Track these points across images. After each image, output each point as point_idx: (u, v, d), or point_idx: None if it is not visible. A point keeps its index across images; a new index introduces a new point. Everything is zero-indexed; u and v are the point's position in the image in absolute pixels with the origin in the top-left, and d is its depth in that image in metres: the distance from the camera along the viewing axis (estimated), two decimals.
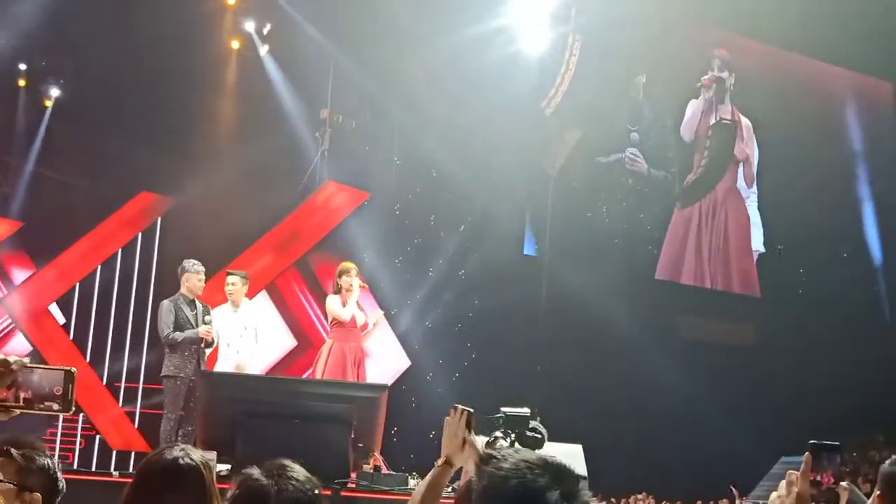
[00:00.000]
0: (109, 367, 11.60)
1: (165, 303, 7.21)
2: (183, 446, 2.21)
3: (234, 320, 7.43)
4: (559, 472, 1.63)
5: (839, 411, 12.82)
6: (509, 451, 1.70)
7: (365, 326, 7.41)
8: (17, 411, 1.80)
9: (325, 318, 7.75)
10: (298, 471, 1.85)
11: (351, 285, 7.29)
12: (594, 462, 5.28)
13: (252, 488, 1.81)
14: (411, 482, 5.80)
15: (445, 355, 12.88)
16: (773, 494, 1.97)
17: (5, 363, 1.76)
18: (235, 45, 12.62)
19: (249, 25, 12.51)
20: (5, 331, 11.84)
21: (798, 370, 14.72)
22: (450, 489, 4.21)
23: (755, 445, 12.95)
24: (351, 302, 7.28)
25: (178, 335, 7.02)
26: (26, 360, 1.81)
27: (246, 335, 7.49)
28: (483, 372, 12.40)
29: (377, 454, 6.03)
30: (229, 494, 1.86)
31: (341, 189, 12.58)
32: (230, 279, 7.53)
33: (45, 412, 1.81)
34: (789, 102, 15.92)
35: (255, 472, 1.86)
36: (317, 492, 1.83)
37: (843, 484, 1.97)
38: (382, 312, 7.94)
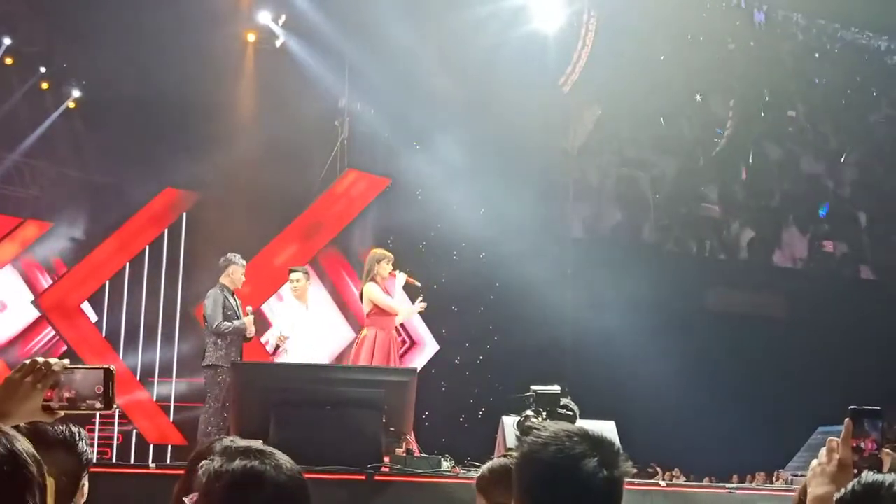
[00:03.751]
0: (142, 363, 11.74)
1: (214, 292, 7.25)
2: (232, 438, 2.23)
3: (306, 318, 7.46)
4: (598, 442, 1.65)
5: (873, 381, 12.70)
6: (550, 422, 1.72)
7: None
8: (62, 412, 1.83)
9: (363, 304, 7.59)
10: (279, 453, 1.75)
11: (387, 273, 7.28)
12: (625, 439, 5.26)
13: (246, 471, 1.70)
14: (444, 464, 5.83)
15: (471, 338, 12.90)
16: (814, 462, 1.94)
17: (48, 365, 1.80)
18: (251, 38, 12.64)
19: (264, 17, 12.52)
20: (38, 328, 12.04)
21: (830, 341, 14.59)
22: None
23: (789, 418, 12.86)
24: (397, 291, 7.27)
25: (228, 325, 7.11)
26: (66, 361, 1.84)
27: (314, 332, 7.56)
28: (508, 353, 12.41)
29: (410, 437, 6.06)
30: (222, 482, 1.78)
31: (362, 176, 12.60)
32: (294, 276, 7.55)
33: (87, 411, 1.85)
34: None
35: (243, 459, 1.77)
36: (300, 474, 1.75)
37: (886, 449, 1.93)
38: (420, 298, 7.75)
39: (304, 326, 7.43)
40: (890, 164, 16.58)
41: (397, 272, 7.36)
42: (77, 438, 2.08)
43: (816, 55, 15.31)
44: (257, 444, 1.77)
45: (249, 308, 7.38)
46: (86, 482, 2.13)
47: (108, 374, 1.84)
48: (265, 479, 1.69)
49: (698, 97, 15.03)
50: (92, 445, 2.49)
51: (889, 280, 16.39)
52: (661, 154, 15.29)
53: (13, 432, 1.59)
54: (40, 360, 1.81)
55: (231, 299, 7.25)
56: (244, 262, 7.45)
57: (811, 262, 16.32)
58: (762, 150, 15.80)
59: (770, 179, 16.01)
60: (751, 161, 15.76)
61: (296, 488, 1.71)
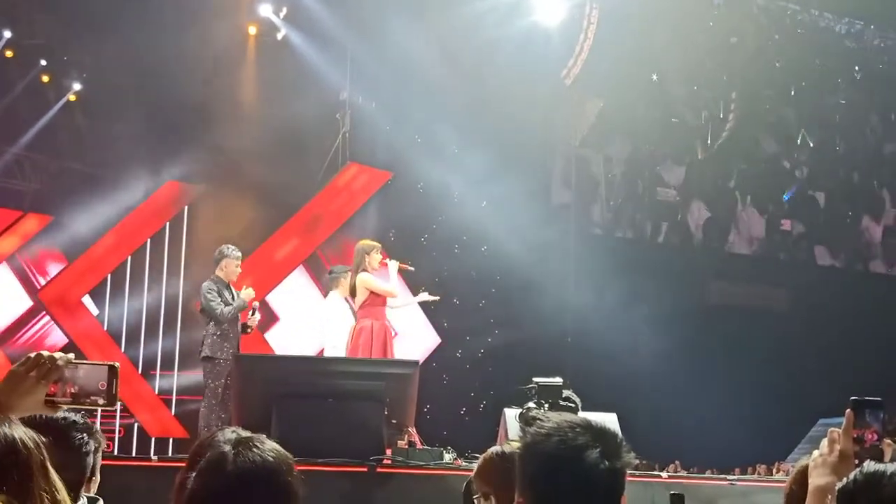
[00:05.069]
0: (144, 356, 11.75)
1: (207, 284, 7.29)
2: (234, 428, 2.23)
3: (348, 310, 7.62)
4: (600, 432, 1.65)
5: (875, 373, 12.70)
6: (553, 413, 1.73)
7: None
8: (65, 406, 1.84)
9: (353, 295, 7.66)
10: (267, 443, 1.81)
11: (377, 262, 7.31)
12: (626, 431, 5.27)
13: (211, 456, 1.79)
14: (447, 456, 5.84)
15: (472, 332, 12.92)
16: (815, 452, 1.94)
17: (52, 359, 1.80)
18: (252, 30, 12.61)
19: (265, 9, 12.50)
20: (42, 324, 12.05)
21: (831, 333, 14.60)
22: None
23: (790, 410, 12.88)
24: (392, 278, 7.33)
25: (229, 308, 7.15)
26: (71, 356, 1.84)
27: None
28: (509, 346, 12.42)
29: (412, 429, 6.07)
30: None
31: (364, 170, 12.59)
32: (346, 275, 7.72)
33: (90, 406, 1.86)
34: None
35: (223, 444, 1.84)
36: (280, 460, 1.78)
37: (888, 440, 1.94)
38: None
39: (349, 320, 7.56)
40: (849, 145, 16.68)
41: (388, 260, 7.38)
42: (74, 429, 2.06)
43: (776, 36, 15.31)
44: (256, 435, 1.81)
45: (256, 304, 7.44)
46: (93, 469, 2.11)
47: (112, 370, 1.85)
48: (225, 466, 1.74)
49: (654, 77, 14.92)
50: (90, 434, 2.44)
51: (848, 264, 16.50)
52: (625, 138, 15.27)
53: (12, 418, 1.60)
54: (45, 354, 1.81)
55: (226, 292, 7.27)
56: (239, 255, 7.45)
57: (768, 244, 16.35)
58: (721, 131, 15.80)
59: (728, 160, 16.04)
60: (709, 142, 15.77)
61: (253, 478, 1.73)
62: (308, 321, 8.21)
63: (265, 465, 1.75)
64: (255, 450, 1.76)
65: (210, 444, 2.21)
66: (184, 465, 2.28)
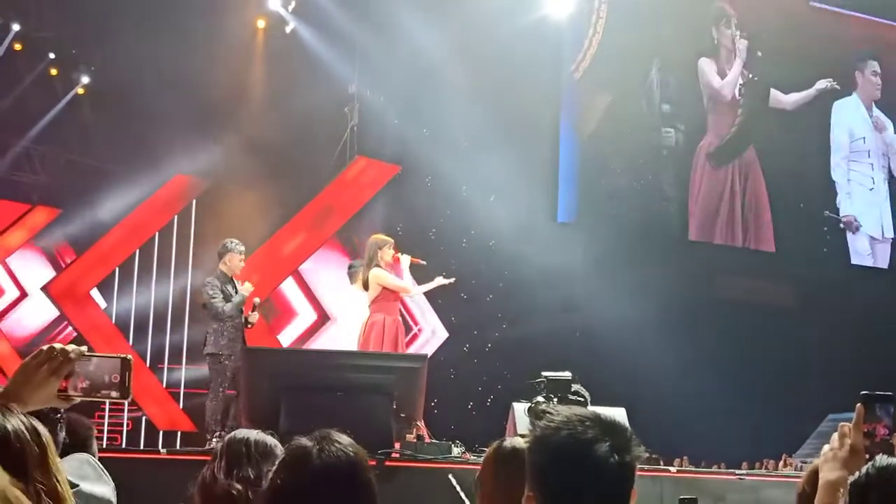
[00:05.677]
0: (152, 350, 11.79)
1: (210, 280, 7.33)
2: (245, 426, 2.27)
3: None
4: (610, 426, 1.65)
5: (884, 368, 12.65)
6: (562, 407, 1.73)
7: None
8: (78, 399, 1.83)
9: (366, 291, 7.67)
10: (343, 437, 1.87)
11: (390, 257, 7.34)
12: (634, 426, 5.24)
13: (294, 451, 1.84)
14: (455, 450, 5.85)
15: (479, 326, 12.91)
16: (825, 447, 1.94)
17: (64, 352, 1.79)
18: (261, 24, 12.61)
19: (274, 3, 12.49)
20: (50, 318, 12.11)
21: (840, 328, 14.54)
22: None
23: (798, 407, 12.84)
24: (405, 273, 7.37)
25: (230, 305, 7.19)
26: (84, 348, 1.83)
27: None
28: (517, 340, 12.41)
29: (420, 423, 6.08)
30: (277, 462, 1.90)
31: (372, 164, 12.59)
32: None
33: (103, 399, 1.85)
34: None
35: (301, 439, 1.90)
36: (360, 455, 1.84)
37: None
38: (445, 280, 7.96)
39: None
40: None
41: (400, 254, 7.42)
42: (43, 423, 2.04)
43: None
44: (333, 431, 1.88)
45: (257, 300, 7.47)
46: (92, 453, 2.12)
47: (125, 363, 1.84)
48: (309, 461, 1.79)
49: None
50: (56, 429, 2.41)
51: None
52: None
53: (12, 409, 1.60)
54: (57, 346, 1.80)
55: (228, 286, 7.30)
56: (242, 249, 7.48)
57: None
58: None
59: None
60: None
61: (338, 473, 1.78)
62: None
63: (349, 460, 1.80)
64: (337, 445, 1.81)
65: (233, 442, 2.26)
66: (207, 458, 2.31)
